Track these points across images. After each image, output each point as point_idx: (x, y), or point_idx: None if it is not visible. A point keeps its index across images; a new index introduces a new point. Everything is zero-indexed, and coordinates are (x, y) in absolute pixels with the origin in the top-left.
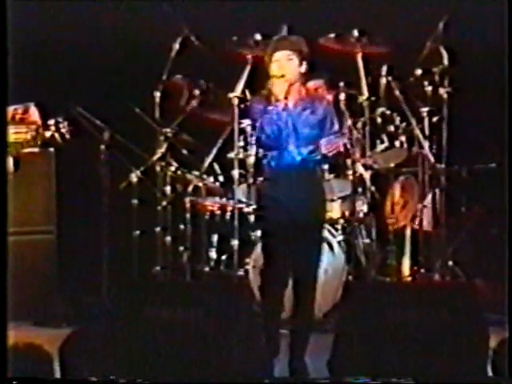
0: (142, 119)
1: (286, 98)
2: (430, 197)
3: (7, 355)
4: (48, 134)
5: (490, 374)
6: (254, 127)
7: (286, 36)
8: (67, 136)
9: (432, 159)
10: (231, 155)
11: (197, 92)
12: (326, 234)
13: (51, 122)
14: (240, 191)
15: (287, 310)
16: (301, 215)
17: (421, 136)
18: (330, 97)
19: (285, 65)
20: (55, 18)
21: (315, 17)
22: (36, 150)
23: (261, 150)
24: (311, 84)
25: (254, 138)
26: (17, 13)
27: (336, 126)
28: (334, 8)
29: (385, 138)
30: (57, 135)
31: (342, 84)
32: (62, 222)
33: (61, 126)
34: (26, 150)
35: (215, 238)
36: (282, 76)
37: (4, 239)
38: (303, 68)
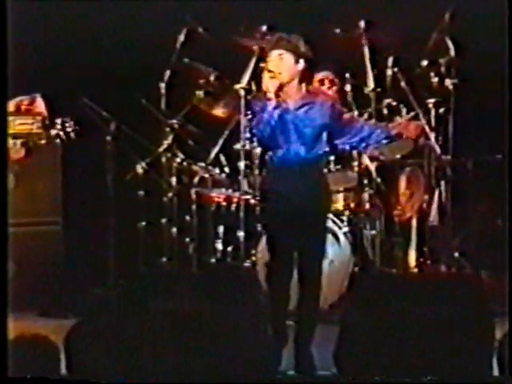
0: (149, 110)
1: (278, 95)
2: (436, 188)
3: (8, 354)
4: (54, 132)
5: (495, 365)
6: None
7: (282, 35)
8: (72, 135)
9: (438, 150)
10: (237, 146)
11: (204, 81)
12: (331, 225)
13: (58, 120)
14: (246, 182)
15: (293, 302)
16: (305, 207)
17: (427, 127)
18: (331, 92)
19: (277, 63)
20: (60, 9)
21: (322, 8)
22: (42, 141)
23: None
24: (319, 75)
25: (254, 133)
26: (21, 2)
27: (346, 115)
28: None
29: None
30: (62, 134)
31: (347, 75)
32: (68, 213)
33: (67, 125)
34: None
35: (221, 229)
36: (270, 71)
37: (5, 230)
38: (300, 66)
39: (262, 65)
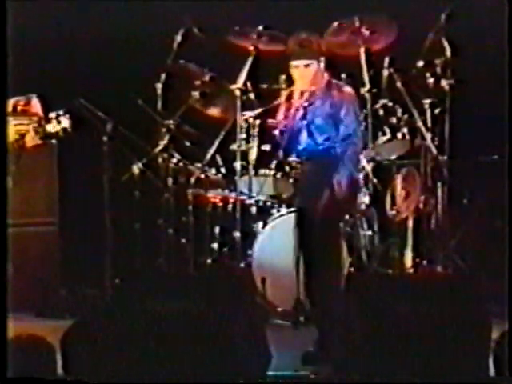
0: (145, 111)
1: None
2: (432, 189)
3: (7, 354)
4: (49, 127)
5: (492, 365)
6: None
7: (302, 41)
8: (69, 129)
9: (434, 151)
10: (233, 147)
11: (199, 82)
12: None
13: (52, 114)
14: (242, 183)
15: (291, 302)
16: (316, 205)
17: (423, 128)
18: (348, 88)
19: (303, 73)
20: (57, 10)
21: (317, 8)
22: (38, 141)
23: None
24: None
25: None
26: (18, 3)
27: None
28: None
29: (387, 129)
30: (58, 128)
31: (343, 75)
32: (64, 214)
33: (62, 118)
34: (29, 143)
35: (217, 229)
36: (303, 82)
37: (4, 231)
38: (322, 64)
39: (294, 63)
